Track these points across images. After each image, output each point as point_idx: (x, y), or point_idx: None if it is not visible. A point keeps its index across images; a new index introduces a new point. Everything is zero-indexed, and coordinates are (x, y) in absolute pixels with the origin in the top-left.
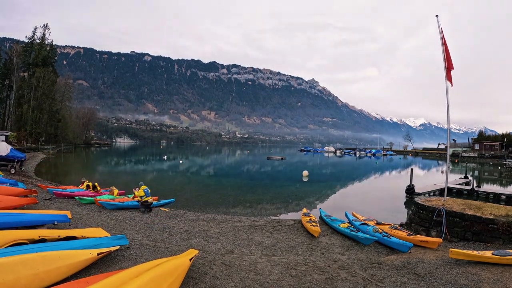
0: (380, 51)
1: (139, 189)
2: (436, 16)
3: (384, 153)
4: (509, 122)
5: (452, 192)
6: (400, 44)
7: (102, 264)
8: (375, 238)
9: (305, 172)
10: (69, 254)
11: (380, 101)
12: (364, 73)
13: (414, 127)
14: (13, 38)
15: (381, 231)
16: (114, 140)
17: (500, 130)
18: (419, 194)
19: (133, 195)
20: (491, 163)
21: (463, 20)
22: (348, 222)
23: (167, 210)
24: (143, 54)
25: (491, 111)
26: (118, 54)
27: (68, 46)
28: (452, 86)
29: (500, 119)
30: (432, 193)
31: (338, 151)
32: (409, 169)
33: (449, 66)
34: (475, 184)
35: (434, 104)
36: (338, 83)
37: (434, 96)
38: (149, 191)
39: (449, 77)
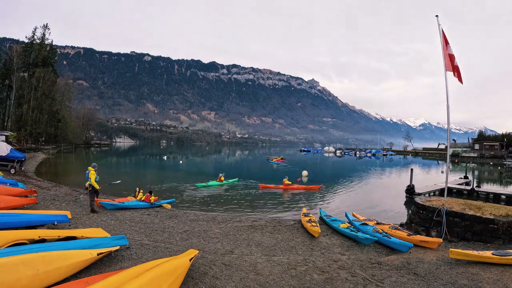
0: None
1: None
2: (436, 16)
3: (384, 153)
4: (509, 122)
5: (452, 192)
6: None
7: (102, 264)
8: (375, 238)
9: (305, 172)
10: (69, 254)
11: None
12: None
13: (414, 127)
14: (13, 38)
15: (381, 231)
16: (114, 140)
17: (500, 130)
18: (419, 194)
19: (134, 194)
20: (491, 163)
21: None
22: (348, 222)
23: (169, 206)
24: (143, 54)
25: (491, 111)
26: (118, 54)
27: (68, 46)
28: (462, 83)
29: (500, 119)
30: (432, 193)
31: (338, 151)
32: (409, 169)
33: (452, 66)
34: (475, 184)
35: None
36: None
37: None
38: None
39: (457, 76)
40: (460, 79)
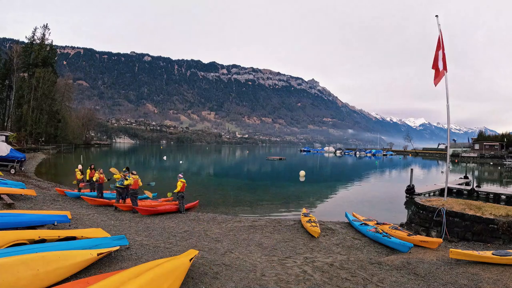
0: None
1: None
2: (436, 16)
3: (384, 153)
4: (509, 122)
5: (452, 192)
6: None
7: (102, 265)
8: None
9: (302, 172)
10: (69, 255)
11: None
12: None
13: (414, 127)
14: (13, 39)
15: (381, 231)
16: (114, 141)
17: (500, 130)
18: (419, 194)
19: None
20: (491, 163)
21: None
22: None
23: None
24: (143, 55)
25: (491, 110)
26: (118, 54)
27: (68, 46)
28: (435, 85)
29: (500, 119)
30: (432, 193)
31: (338, 152)
32: (409, 169)
33: (435, 66)
34: (475, 184)
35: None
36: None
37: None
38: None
39: (437, 77)
40: (436, 81)
